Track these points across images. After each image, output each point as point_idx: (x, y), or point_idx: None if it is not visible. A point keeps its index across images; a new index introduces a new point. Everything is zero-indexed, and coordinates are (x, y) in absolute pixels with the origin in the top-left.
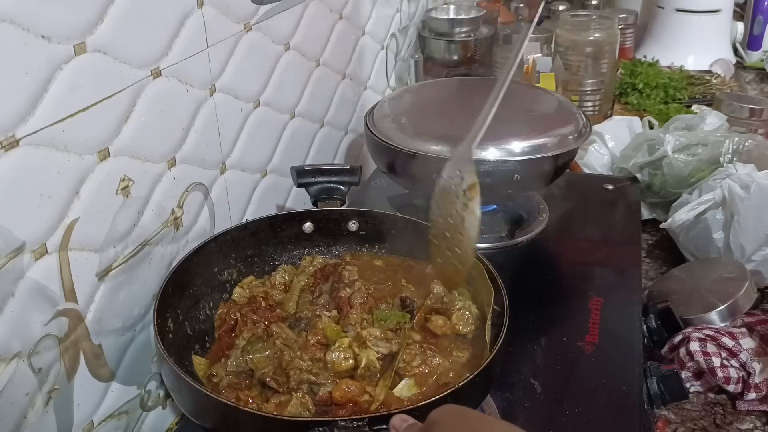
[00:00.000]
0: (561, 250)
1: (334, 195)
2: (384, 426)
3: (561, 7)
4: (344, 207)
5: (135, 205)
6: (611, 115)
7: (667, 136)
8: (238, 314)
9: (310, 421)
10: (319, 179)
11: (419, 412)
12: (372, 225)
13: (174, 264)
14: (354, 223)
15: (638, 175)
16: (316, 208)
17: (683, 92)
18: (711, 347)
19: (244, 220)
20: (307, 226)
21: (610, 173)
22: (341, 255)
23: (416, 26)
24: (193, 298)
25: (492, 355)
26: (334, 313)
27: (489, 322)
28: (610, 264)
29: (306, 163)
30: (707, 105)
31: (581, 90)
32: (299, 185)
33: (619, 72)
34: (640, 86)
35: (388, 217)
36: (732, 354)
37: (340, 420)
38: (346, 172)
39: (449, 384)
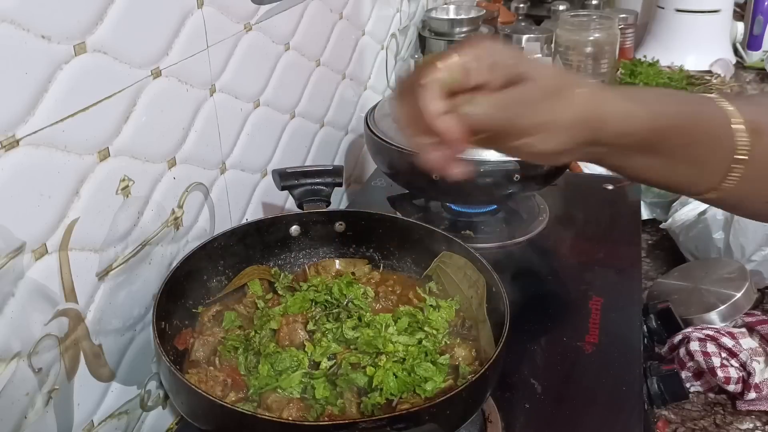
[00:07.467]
0: (561, 250)
1: (319, 197)
2: (403, 425)
3: (561, 7)
4: (330, 208)
5: (135, 205)
6: None
7: None
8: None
9: (331, 425)
10: (303, 181)
11: (417, 416)
12: (358, 225)
13: (172, 266)
14: (341, 224)
15: None
16: (301, 211)
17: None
18: (711, 347)
19: (244, 221)
20: (294, 229)
21: (610, 173)
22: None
23: (416, 26)
24: (188, 302)
25: (494, 356)
26: None
27: (485, 308)
28: (610, 264)
29: (288, 166)
30: None
31: None
32: (283, 188)
33: (619, 72)
34: (640, 86)
35: (373, 216)
36: (732, 354)
37: (361, 422)
38: (329, 172)
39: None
